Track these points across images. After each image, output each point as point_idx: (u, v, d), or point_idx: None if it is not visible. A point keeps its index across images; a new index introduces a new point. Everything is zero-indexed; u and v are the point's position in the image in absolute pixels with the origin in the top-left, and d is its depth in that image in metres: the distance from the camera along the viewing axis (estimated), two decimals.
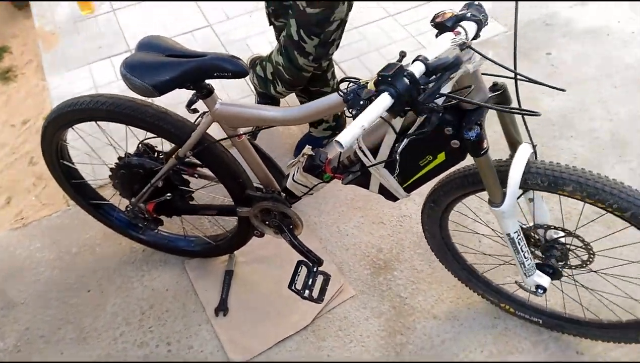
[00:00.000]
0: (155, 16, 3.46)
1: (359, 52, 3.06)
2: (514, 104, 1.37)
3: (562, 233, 1.58)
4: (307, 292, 1.76)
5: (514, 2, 1.26)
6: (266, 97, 2.46)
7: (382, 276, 2.13)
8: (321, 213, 2.35)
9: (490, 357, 1.90)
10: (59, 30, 3.41)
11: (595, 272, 1.73)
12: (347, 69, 2.93)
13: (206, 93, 1.57)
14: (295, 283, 1.76)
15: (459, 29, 1.18)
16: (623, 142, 2.53)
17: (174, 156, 1.74)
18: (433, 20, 1.22)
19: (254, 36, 3.25)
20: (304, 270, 1.79)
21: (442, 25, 1.20)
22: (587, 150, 2.51)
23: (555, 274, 1.64)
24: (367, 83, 1.28)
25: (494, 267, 2.00)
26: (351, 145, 1.03)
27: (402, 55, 1.23)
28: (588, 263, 1.61)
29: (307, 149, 1.67)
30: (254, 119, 1.60)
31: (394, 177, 1.52)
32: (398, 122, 1.38)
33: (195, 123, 1.69)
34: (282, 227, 1.85)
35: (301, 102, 2.49)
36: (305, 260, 1.82)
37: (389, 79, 1.08)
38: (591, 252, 1.57)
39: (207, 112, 1.63)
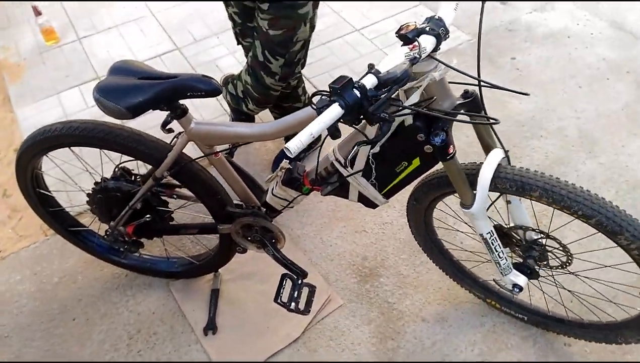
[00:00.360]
0: (122, 43, 3.46)
1: (329, 67, 3.10)
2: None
3: (539, 235, 1.62)
4: (293, 304, 1.76)
5: (479, 9, 1.31)
6: (240, 114, 2.48)
7: (369, 283, 2.14)
8: (303, 225, 2.36)
9: (480, 355, 1.92)
10: (25, 62, 3.38)
11: (573, 274, 1.77)
12: (318, 84, 2.96)
13: (180, 113, 1.58)
14: (281, 297, 1.76)
15: (416, 42, 1.22)
16: (591, 138, 2.61)
17: (151, 177, 1.73)
18: (398, 31, 1.26)
19: (223, 57, 3.27)
20: (288, 283, 1.79)
21: (405, 37, 1.24)
22: (557, 148, 2.57)
23: (533, 274, 1.67)
24: None
25: (478, 264, 2.03)
26: (299, 151, 1.06)
27: (371, 67, 1.27)
28: (567, 265, 1.64)
29: (285, 163, 1.68)
30: (229, 136, 1.61)
31: (372, 185, 1.54)
32: (372, 132, 1.41)
33: (171, 143, 1.69)
34: (265, 241, 1.86)
35: (275, 118, 2.51)
36: (289, 273, 1.82)
37: (339, 91, 1.11)
38: (569, 254, 1.61)
39: (182, 132, 1.64)
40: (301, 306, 1.78)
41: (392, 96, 1.17)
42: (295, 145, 1.04)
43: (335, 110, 1.10)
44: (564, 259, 1.63)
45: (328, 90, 1.24)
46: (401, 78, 1.16)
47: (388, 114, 1.16)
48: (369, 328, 2.02)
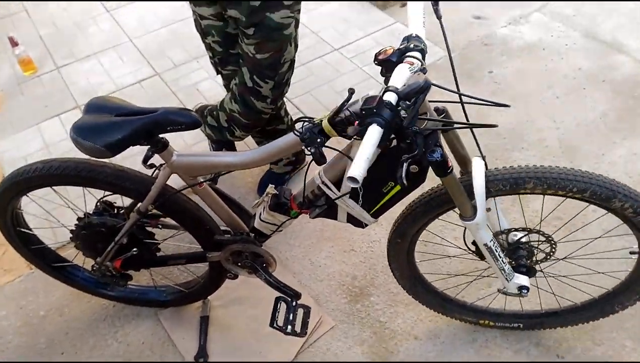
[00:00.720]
0: (101, 70, 3.45)
1: (310, 87, 3.11)
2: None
3: (521, 234, 1.64)
4: (289, 327, 1.75)
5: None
6: (221, 143, 2.47)
7: (360, 303, 2.14)
8: (292, 247, 2.36)
9: None
10: (3, 93, 3.35)
11: (561, 259, 1.80)
12: (299, 104, 2.97)
13: (161, 147, 1.55)
14: (276, 321, 1.75)
15: (410, 59, 1.22)
16: (572, 148, 2.64)
17: (135, 211, 1.71)
18: (376, 58, 1.26)
19: (204, 81, 3.27)
20: (283, 306, 1.79)
21: (387, 62, 1.24)
22: (539, 160, 2.60)
23: (530, 272, 1.69)
24: (321, 121, 1.32)
25: (467, 285, 2.04)
26: (361, 179, 1.05)
27: (351, 92, 1.27)
28: (552, 253, 1.67)
29: (271, 188, 1.68)
30: (212, 166, 1.60)
31: (360, 206, 1.55)
32: (355, 153, 1.42)
33: (153, 175, 1.67)
34: (256, 266, 1.84)
35: (258, 142, 2.51)
36: (283, 296, 1.81)
37: (374, 111, 1.11)
38: (553, 242, 1.64)
39: (164, 164, 1.62)
40: (297, 328, 1.77)
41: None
42: (359, 173, 1.03)
43: (376, 130, 1.09)
44: (548, 250, 1.66)
45: (310, 117, 1.24)
46: (425, 86, 1.15)
47: (418, 127, 1.17)
48: (361, 349, 2.01)
